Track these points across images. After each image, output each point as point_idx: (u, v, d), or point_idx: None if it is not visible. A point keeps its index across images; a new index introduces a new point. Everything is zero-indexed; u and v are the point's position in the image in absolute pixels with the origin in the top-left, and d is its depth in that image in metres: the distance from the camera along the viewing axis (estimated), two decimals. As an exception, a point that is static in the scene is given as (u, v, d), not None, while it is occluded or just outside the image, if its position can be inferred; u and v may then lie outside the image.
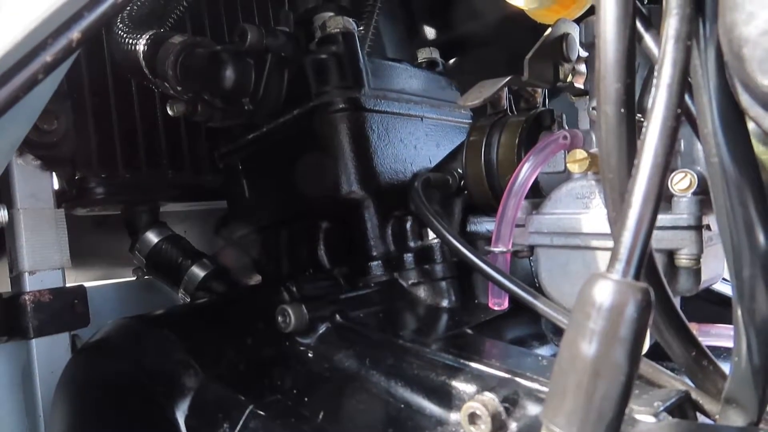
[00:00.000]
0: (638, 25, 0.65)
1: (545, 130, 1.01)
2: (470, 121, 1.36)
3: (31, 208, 1.23)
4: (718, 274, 0.84)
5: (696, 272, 0.77)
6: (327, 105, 1.10)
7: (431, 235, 1.04)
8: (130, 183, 1.42)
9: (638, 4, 0.61)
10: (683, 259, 0.76)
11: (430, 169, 1.14)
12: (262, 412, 0.78)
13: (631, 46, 0.52)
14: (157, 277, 1.48)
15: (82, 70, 1.35)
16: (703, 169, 0.76)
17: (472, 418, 0.63)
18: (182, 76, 1.11)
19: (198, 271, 1.40)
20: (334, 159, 1.08)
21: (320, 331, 0.92)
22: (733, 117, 0.51)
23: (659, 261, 0.76)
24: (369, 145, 1.10)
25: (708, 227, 0.76)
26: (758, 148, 0.57)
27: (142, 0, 1.17)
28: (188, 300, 1.40)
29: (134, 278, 1.58)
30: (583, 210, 0.84)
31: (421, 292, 1.05)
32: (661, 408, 0.60)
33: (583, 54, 0.94)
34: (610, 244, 0.75)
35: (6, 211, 1.18)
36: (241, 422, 0.76)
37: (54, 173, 1.32)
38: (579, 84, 0.95)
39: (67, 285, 1.27)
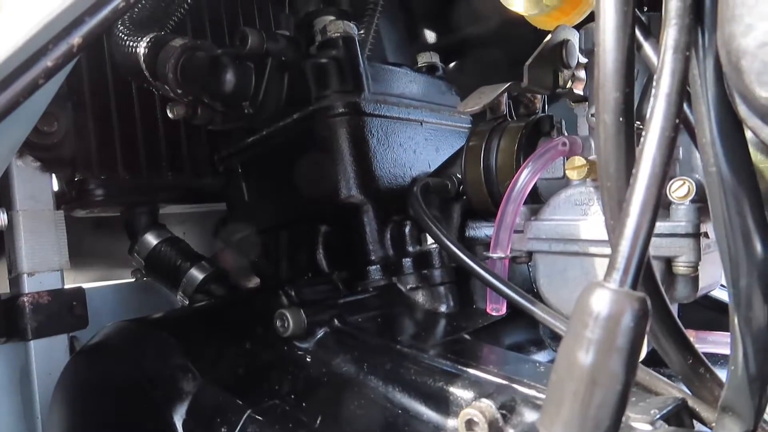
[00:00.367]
0: (638, 33, 0.66)
1: (544, 136, 1.01)
2: (469, 125, 1.37)
3: (31, 210, 1.23)
4: (715, 281, 0.84)
5: (694, 279, 0.77)
6: (327, 109, 1.10)
7: (430, 240, 1.05)
8: (129, 185, 1.43)
9: (638, 12, 0.62)
10: (681, 267, 0.76)
11: (430, 174, 1.14)
12: (259, 417, 0.78)
13: (630, 55, 0.52)
14: (156, 279, 1.48)
15: (82, 72, 1.36)
16: (702, 177, 0.77)
17: (470, 424, 0.64)
18: (182, 79, 1.11)
19: (197, 274, 1.40)
20: (334, 163, 1.09)
21: (318, 336, 0.93)
22: (732, 127, 0.51)
23: (657, 268, 0.77)
24: (368, 149, 1.11)
25: (706, 235, 0.76)
26: (756, 157, 0.57)
27: (143, 2, 1.17)
28: (187, 302, 1.41)
29: (133, 280, 1.59)
30: (582, 217, 0.84)
31: (420, 297, 1.05)
32: (658, 416, 0.60)
33: (583, 60, 0.94)
34: (608, 251, 0.76)
35: (6, 214, 1.18)
36: (239, 427, 0.76)
37: (53, 175, 1.32)
38: (578, 90, 0.95)
39: (66, 286, 1.28)
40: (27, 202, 1.23)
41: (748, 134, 0.52)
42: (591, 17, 0.88)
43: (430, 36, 1.82)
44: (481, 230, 1.09)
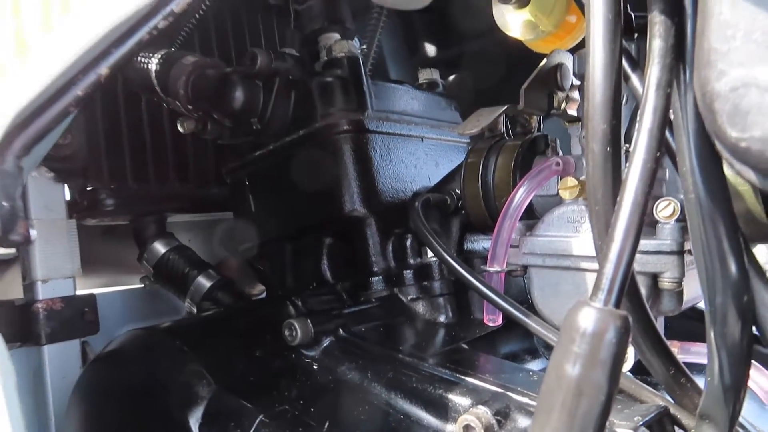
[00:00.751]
0: (626, 65, 0.70)
1: (540, 154, 1.05)
2: (468, 140, 1.40)
3: (45, 219, 1.26)
4: (699, 295, 0.88)
5: (678, 294, 0.81)
6: (332, 126, 1.14)
7: (430, 253, 1.08)
8: (138, 195, 1.47)
9: (626, 43, 0.66)
10: (666, 282, 0.80)
11: (430, 189, 1.18)
12: (271, 421, 0.82)
13: (618, 90, 0.57)
14: (164, 286, 1.52)
15: (94, 86, 1.40)
16: (688, 198, 0.80)
17: (467, 430, 0.68)
18: (193, 96, 1.15)
19: (204, 282, 1.44)
20: (338, 178, 1.12)
21: (324, 345, 0.97)
22: (709, 157, 0.54)
23: (644, 283, 0.81)
24: (371, 165, 1.14)
25: (690, 252, 0.79)
26: (736, 179, 0.61)
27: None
28: (194, 309, 1.44)
29: (141, 286, 1.62)
30: (574, 234, 0.88)
31: (420, 308, 1.09)
32: (641, 423, 0.64)
33: (577, 82, 0.98)
34: (597, 266, 0.79)
35: (34, 228, 1.22)
36: (251, 430, 0.81)
37: (66, 185, 1.35)
38: (572, 111, 0.99)
39: (78, 293, 1.31)
40: (41, 212, 1.26)
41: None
42: (584, 42, 0.92)
43: (430, 49, 1.85)
44: (479, 243, 1.12)
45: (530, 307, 0.90)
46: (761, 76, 0.45)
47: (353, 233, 1.15)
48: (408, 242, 1.12)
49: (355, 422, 0.82)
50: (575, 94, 0.99)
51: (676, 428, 0.68)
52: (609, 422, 0.64)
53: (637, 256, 0.80)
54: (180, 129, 1.26)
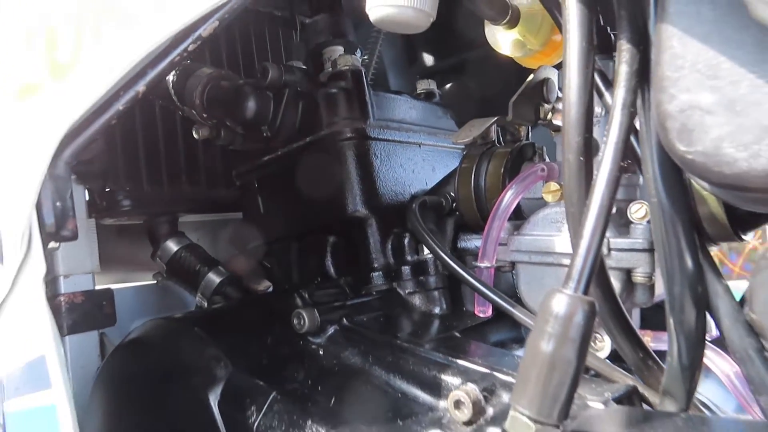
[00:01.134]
0: (599, 83, 0.78)
1: (527, 161, 1.12)
2: (462, 147, 1.46)
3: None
4: (671, 289, 0.96)
5: (650, 288, 0.87)
6: (336, 134, 1.20)
7: (426, 250, 1.14)
8: (152, 196, 1.53)
9: (599, 63, 0.74)
10: (639, 277, 0.85)
11: (426, 192, 1.24)
12: (283, 398, 0.89)
13: (590, 107, 0.64)
14: (177, 282, 1.59)
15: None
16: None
17: (457, 404, 0.74)
18: (208, 105, 1.22)
19: (214, 278, 1.51)
20: (342, 181, 1.18)
21: (329, 332, 1.03)
22: (670, 166, 0.62)
23: (619, 278, 0.86)
24: (373, 169, 1.20)
25: (660, 249, 0.87)
26: (698, 183, 0.69)
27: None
28: (204, 303, 1.51)
29: (155, 282, 1.70)
30: (556, 233, 0.94)
31: (417, 300, 1.14)
32: (611, 398, 0.70)
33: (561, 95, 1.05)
34: (576, 262, 0.87)
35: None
36: (266, 406, 0.88)
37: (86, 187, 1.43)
38: (557, 121, 1.04)
39: (96, 288, 1.37)
40: (65, 212, 1.34)
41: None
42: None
43: (428, 59, 1.90)
44: (472, 242, 1.17)
45: (517, 300, 0.96)
46: (703, 100, 0.53)
47: (355, 232, 1.21)
48: (406, 241, 1.17)
49: (358, 399, 0.88)
50: (560, 106, 1.06)
51: (644, 405, 0.74)
52: (583, 397, 0.70)
53: (613, 253, 0.87)
54: (195, 136, 1.32)
